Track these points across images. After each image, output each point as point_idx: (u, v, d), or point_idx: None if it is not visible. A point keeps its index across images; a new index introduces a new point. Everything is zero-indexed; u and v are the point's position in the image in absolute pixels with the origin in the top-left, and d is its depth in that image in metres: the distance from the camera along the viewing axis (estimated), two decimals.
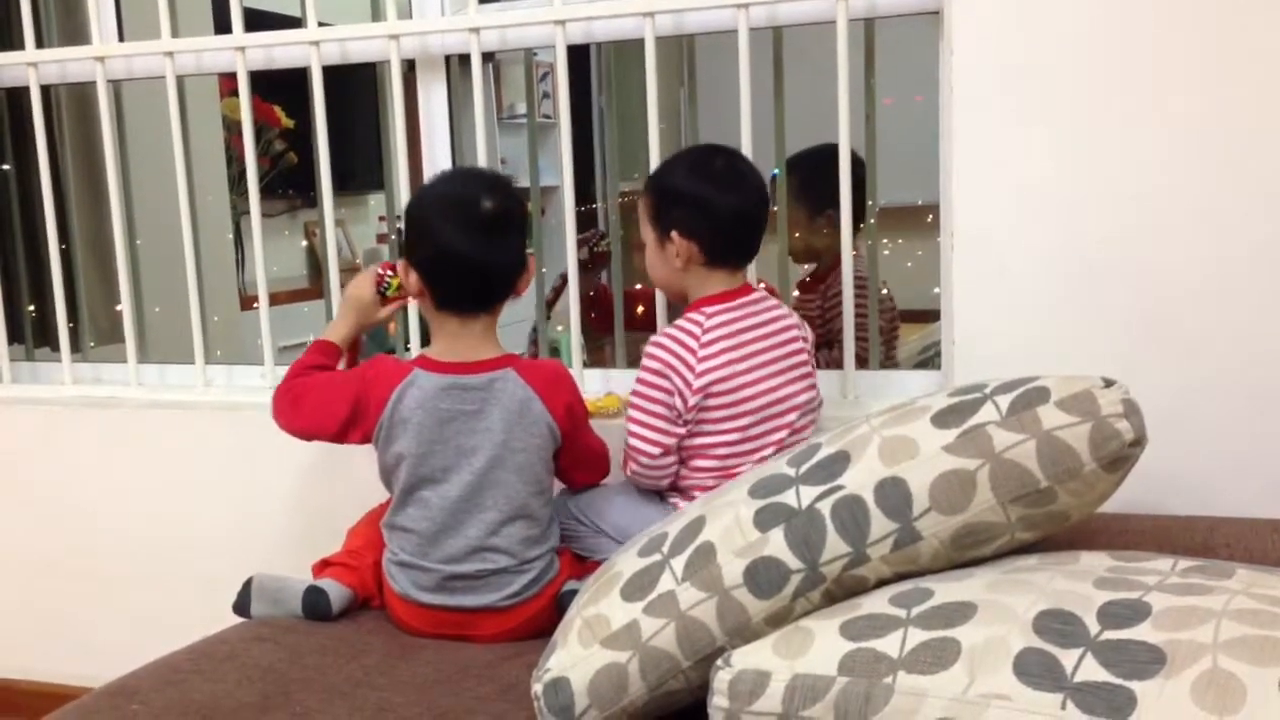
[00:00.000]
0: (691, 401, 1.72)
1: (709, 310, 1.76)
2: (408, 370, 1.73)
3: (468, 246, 1.69)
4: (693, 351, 1.73)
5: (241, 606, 1.79)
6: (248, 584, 1.80)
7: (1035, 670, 1.07)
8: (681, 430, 1.74)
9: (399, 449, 1.72)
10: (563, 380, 1.78)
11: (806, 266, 2.58)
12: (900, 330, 2.54)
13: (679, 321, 1.77)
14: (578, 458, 1.83)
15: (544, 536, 1.76)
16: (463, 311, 1.74)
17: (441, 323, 1.76)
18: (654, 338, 1.78)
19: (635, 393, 1.76)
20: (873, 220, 2.11)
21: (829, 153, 2.01)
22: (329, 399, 1.77)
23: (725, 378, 1.72)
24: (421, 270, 1.73)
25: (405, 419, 1.71)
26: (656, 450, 1.74)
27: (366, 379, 1.76)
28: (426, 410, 1.70)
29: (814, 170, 2.22)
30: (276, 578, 1.80)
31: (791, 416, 1.77)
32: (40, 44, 2.46)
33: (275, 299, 2.43)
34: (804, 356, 1.82)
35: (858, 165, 2.02)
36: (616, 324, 2.25)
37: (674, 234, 1.75)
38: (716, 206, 1.74)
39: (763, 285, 1.91)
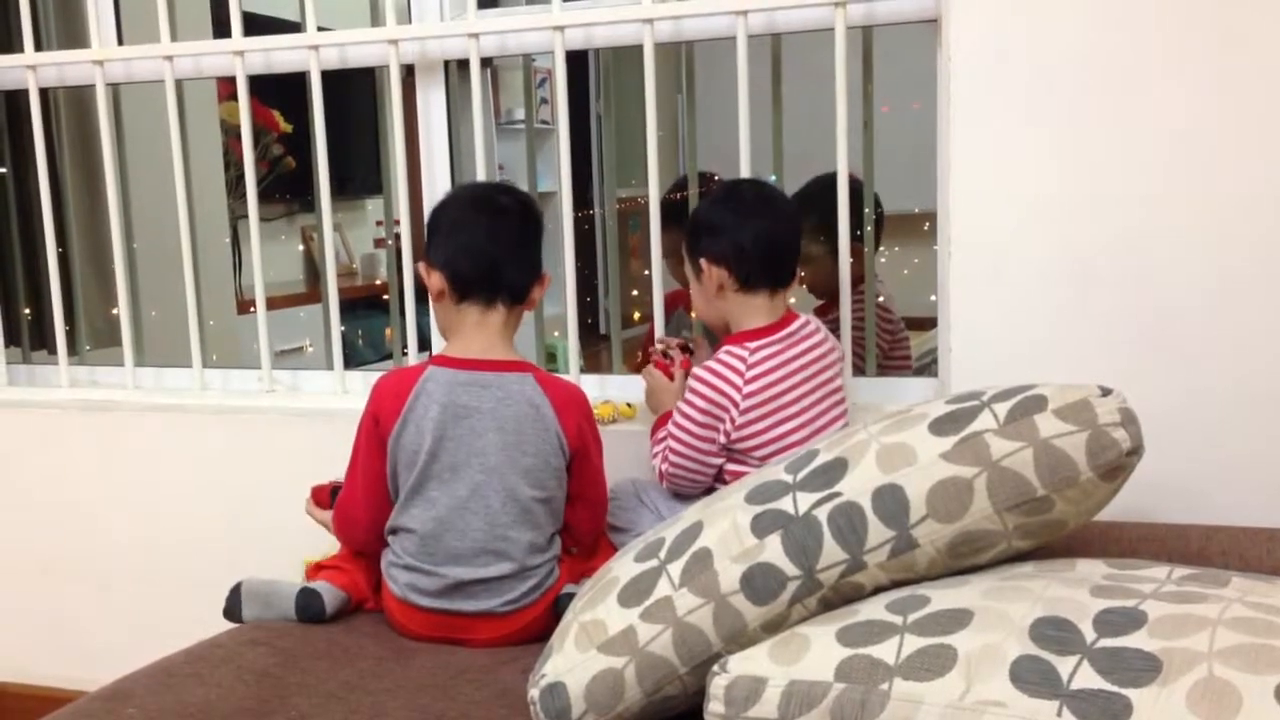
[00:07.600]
0: (734, 435, 1.77)
1: (752, 345, 1.77)
2: (420, 372, 1.75)
3: (484, 234, 1.75)
4: (738, 389, 1.76)
5: (232, 611, 1.78)
6: (236, 589, 1.79)
7: (1031, 677, 1.07)
8: (723, 458, 1.80)
9: (413, 445, 1.71)
10: (579, 401, 1.79)
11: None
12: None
13: (722, 356, 1.78)
14: (583, 487, 1.80)
15: (547, 545, 1.76)
16: (481, 301, 1.75)
17: (462, 318, 1.77)
18: (698, 370, 1.79)
19: (680, 425, 1.79)
20: (869, 228, 2.12)
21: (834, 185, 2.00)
22: (362, 470, 1.77)
23: (768, 414, 1.77)
24: (444, 263, 1.76)
25: (420, 417, 1.71)
26: (703, 479, 1.81)
27: (370, 411, 1.76)
28: (442, 405, 1.71)
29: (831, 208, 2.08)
30: (266, 581, 1.80)
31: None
32: (39, 47, 2.46)
33: (272, 303, 2.43)
34: (839, 383, 1.86)
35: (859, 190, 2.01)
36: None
37: (702, 261, 1.78)
38: (741, 230, 1.77)
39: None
